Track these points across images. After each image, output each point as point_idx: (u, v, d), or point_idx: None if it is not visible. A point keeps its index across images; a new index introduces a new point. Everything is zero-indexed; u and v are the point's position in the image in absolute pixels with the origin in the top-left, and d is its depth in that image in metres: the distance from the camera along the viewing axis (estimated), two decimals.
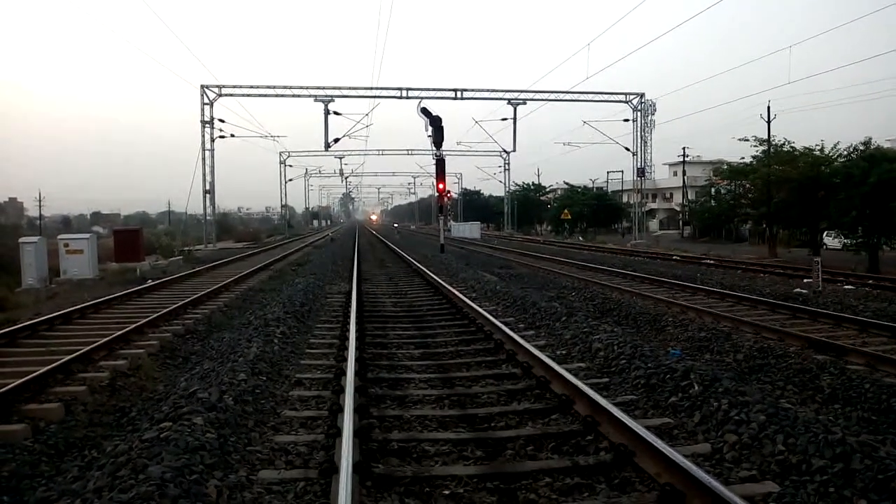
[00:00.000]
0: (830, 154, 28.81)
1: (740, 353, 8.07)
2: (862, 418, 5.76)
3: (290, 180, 70.05)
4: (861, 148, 27.28)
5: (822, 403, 6.26)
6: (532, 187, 79.71)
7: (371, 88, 37.87)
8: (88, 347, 7.98)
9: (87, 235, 22.42)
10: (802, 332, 9.33)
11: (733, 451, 4.77)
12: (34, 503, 4.20)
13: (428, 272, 17.72)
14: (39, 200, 75.56)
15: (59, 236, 22.59)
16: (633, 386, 6.63)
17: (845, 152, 28.02)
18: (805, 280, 16.02)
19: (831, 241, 31.54)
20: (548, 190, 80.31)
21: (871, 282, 16.83)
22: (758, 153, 32.72)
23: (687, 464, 3.97)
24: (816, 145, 29.39)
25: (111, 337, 8.72)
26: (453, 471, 4.51)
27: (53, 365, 7.02)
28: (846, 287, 15.48)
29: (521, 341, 7.80)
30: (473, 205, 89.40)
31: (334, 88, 37.09)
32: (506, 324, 9.31)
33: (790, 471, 4.32)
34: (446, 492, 4.22)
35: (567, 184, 69.80)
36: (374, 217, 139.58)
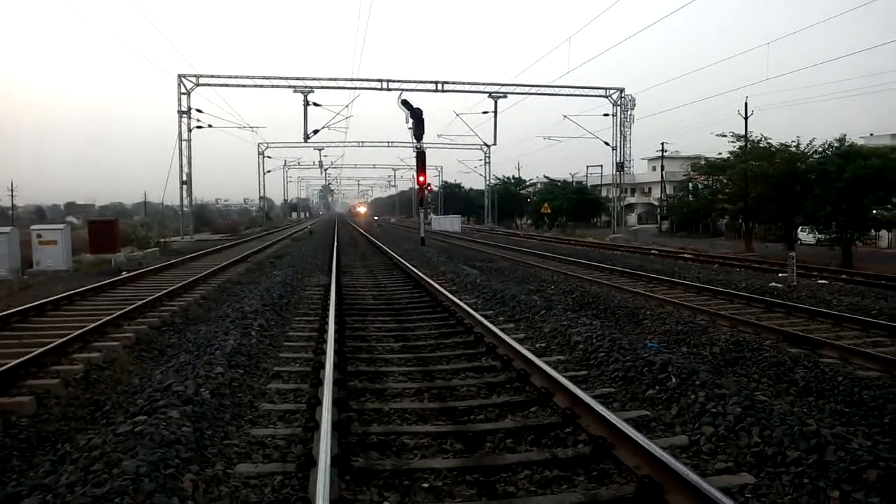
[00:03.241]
0: (806, 150, 29.29)
1: (717, 346, 8.15)
2: (835, 410, 5.85)
3: (269, 172, 69.41)
4: (836, 145, 27.74)
5: (797, 396, 6.35)
6: (512, 181, 79.91)
7: (351, 80, 37.53)
8: (62, 340, 7.84)
9: (61, 226, 22.01)
10: (777, 325, 9.46)
11: (710, 443, 4.82)
12: (4, 498, 4.11)
13: (408, 265, 17.68)
14: (12, 190, 74.06)
15: (33, 227, 22.15)
16: (611, 379, 6.67)
17: (821, 149, 28.49)
18: (780, 274, 16.24)
19: (806, 236, 32.12)
20: (528, 184, 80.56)
21: (844, 276, 17.14)
22: (735, 149, 33.18)
23: (664, 456, 4.00)
24: (793, 142, 29.90)
25: (85, 329, 8.57)
26: (433, 464, 4.50)
27: (25, 357, 6.88)
28: (820, 282, 15.73)
29: (501, 334, 7.81)
30: (454, 198, 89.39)
31: (314, 79, 36.75)
32: (486, 317, 9.32)
33: (766, 462, 4.37)
34: (425, 485, 4.21)
35: (547, 178, 70.09)
36: (361, 210, 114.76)
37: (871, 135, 47.41)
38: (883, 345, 8.31)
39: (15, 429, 5.43)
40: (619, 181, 44.31)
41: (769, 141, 31.07)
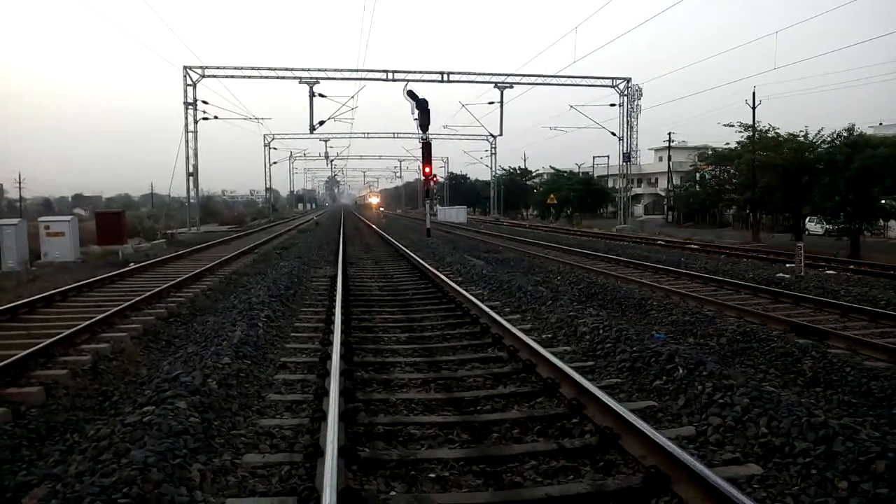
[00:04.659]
0: (814, 140, 29.09)
1: (724, 336, 8.13)
2: (843, 401, 5.83)
3: (275, 163, 69.60)
4: (844, 134, 27.53)
5: (805, 386, 6.33)
6: (518, 172, 79.71)
7: (357, 70, 37.49)
8: (70, 330, 7.88)
9: (69, 218, 22.11)
10: (785, 316, 9.42)
11: (717, 433, 4.80)
12: (14, 487, 4.14)
13: (414, 256, 17.68)
14: (19, 182, 74.36)
15: (40, 218, 22.27)
16: (618, 369, 6.65)
17: (829, 138, 28.30)
18: (788, 265, 16.17)
19: (813, 226, 31.98)
20: (534, 174, 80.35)
21: (852, 267, 17.06)
22: (743, 139, 33.00)
23: (671, 446, 3.99)
24: (801, 131, 29.72)
25: (93, 320, 8.62)
26: (439, 454, 4.50)
27: (34, 348, 6.92)
28: (828, 272, 15.65)
29: (507, 325, 7.80)
30: (460, 189, 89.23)
31: (319, 70, 36.72)
32: (492, 308, 9.31)
33: (773, 453, 4.36)
34: (432, 475, 4.22)
35: (553, 168, 69.84)
36: (373, 201, 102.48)
37: (881, 124, 46.98)
38: (891, 335, 8.26)
39: (24, 419, 5.46)
40: (625, 171, 44.13)
41: (777, 131, 30.88)
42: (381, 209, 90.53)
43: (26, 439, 5.09)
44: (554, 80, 39.50)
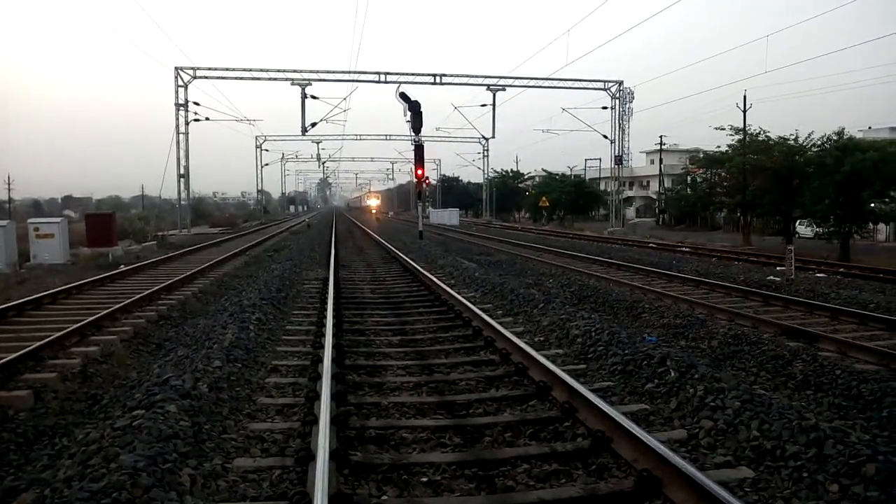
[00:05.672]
0: (805, 143, 29.28)
1: (715, 339, 8.15)
2: (833, 404, 5.86)
3: (267, 165, 69.35)
4: (834, 138, 27.70)
5: (795, 389, 6.35)
6: (511, 174, 79.82)
7: (349, 72, 37.47)
8: (59, 333, 7.81)
9: (59, 219, 21.99)
10: (775, 319, 9.46)
11: (709, 436, 4.81)
12: (2, 493, 4.10)
13: (407, 259, 17.66)
14: (8, 183, 73.84)
15: (30, 220, 22.12)
16: (610, 372, 6.66)
17: (819, 142, 28.47)
18: (778, 268, 16.25)
19: (804, 229, 32.17)
20: (526, 177, 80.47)
21: (842, 270, 17.16)
22: (734, 142, 33.13)
23: (663, 450, 3.99)
24: (791, 135, 29.90)
25: (83, 323, 8.54)
26: (431, 458, 4.49)
27: (23, 351, 6.85)
28: (818, 275, 15.75)
29: (500, 328, 7.80)
30: (452, 191, 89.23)
31: (312, 72, 36.69)
32: (484, 310, 9.31)
33: (765, 456, 4.37)
34: (424, 479, 4.21)
35: (545, 171, 69.97)
36: (372, 203, 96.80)
37: (870, 128, 47.35)
38: (881, 338, 8.32)
39: (12, 423, 5.40)
40: (617, 174, 44.28)
41: (768, 134, 31.07)
42: (373, 211, 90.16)
43: (14, 443, 5.04)
44: (546, 83, 39.57)
